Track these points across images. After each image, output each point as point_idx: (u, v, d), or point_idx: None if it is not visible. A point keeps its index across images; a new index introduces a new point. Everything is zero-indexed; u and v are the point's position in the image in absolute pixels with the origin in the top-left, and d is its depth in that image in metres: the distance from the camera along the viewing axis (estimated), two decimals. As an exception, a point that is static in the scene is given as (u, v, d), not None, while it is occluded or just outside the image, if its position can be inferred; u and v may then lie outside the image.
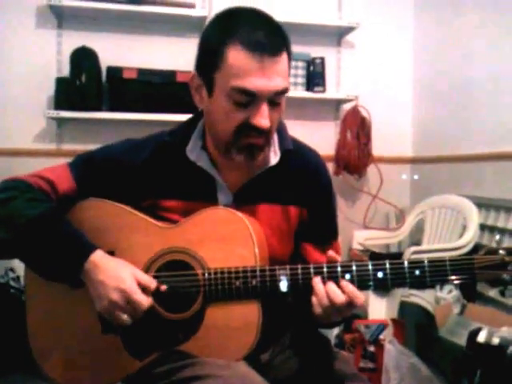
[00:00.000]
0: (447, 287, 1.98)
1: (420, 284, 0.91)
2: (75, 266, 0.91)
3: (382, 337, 1.75)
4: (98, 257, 0.92)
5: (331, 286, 0.87)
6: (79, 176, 1.01)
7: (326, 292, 0.87)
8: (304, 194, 1.05)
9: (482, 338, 1.38)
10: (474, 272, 0.88)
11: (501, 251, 0.89)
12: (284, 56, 0.90)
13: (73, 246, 0.92)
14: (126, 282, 0.90)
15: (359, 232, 2.74)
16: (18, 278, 2.24)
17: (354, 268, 0.89)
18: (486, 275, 0.88)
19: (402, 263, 0.89)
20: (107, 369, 0.96)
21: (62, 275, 0.94)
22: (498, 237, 0.96)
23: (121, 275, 0.90)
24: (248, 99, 0.89)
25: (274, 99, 0.91)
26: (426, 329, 1.73)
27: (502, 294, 0.94)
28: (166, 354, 0.93)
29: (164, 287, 0.94)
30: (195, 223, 0.96)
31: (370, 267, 0.89)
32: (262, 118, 0.89)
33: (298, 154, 1.06)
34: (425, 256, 0.91)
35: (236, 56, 0.87)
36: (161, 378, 0.91)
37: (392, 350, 1.63)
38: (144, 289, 0.91)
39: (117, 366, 0.95)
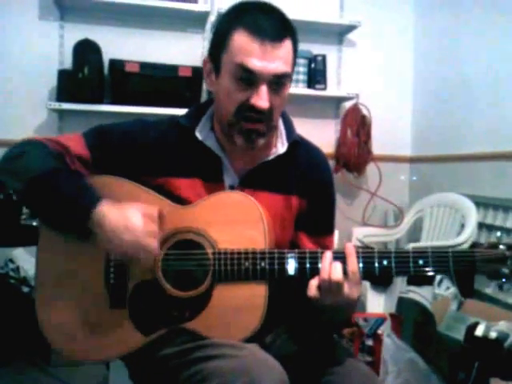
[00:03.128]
0: (444, 284, 2.00)
1: (422, 273, 0.93)
2: (83, 218, 0.93)
3: (380, 331, 1.77)
4: (105, 207, 0.93)
5: (337, 263, 0.90)
6: (93, 145, 1.04)
7: (329, 265, 0.90)
8: (306, 185, 1.09)
9: (479, 331, 1.40)
10: (476, 264, 0.90)
11: (501, 246, 0.92)
12: (287, 43, 0.96)
13: (79, 199, 0.94)
14: (133, 223, 0.91)
15: (358, 229, 2.76)
16: (17, 268, 2.24)
17: (359, 255, 0.91)
18: (486, 268, 0.91)
19: (407, 252, 0.91)
20: (113, 343, 0.97)
21: (71, 227, 0.97)
22: (499, 233, 1.00)
23: (127, 216, 0.92)
24: (248, 76, 0.94)
25: (276, 82, 0.95)
26: (423, 324, 1.75)
27: (500, 287, 0.97)
28: (172, 334, 0.95)
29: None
30: (209, 205, 0.99)
31: (376, 255, 0.91)
32: (261, 99, 0.94)
33: (304, 148, 1.11)
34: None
35: (240, 38, 0.94)
36: (172, 359, 0.92)
37: (390, 343, 1.65)
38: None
39: (122, 341, 0.97)
